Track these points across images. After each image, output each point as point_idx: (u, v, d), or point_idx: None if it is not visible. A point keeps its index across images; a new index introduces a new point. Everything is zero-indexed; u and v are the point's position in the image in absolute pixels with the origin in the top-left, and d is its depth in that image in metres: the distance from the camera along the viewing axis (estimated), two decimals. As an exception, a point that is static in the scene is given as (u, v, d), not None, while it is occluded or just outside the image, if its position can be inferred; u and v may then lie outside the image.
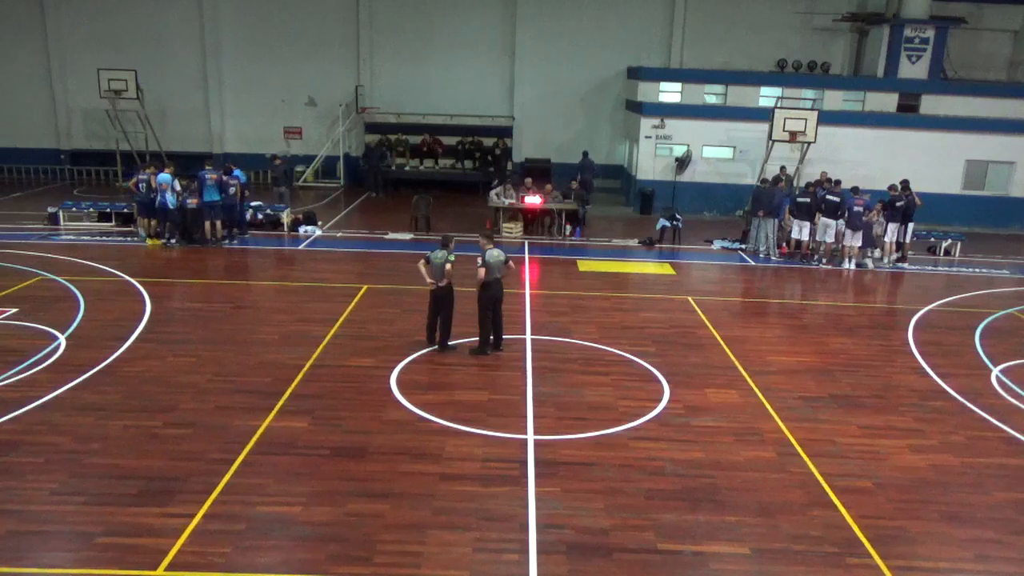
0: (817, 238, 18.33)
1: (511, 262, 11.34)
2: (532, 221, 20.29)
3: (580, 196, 20.30)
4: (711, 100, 25.71)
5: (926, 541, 7.07)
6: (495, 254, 11.07)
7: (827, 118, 22.43)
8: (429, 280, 11.17)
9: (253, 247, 17.99)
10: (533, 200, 19.72)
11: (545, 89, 27.95)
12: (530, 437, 8.75)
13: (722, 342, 12.32)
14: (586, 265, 17.37)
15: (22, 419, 8.74)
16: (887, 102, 24.81)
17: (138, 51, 27.01)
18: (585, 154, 24.62)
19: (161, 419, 8.86)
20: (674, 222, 19.75)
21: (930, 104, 24.78)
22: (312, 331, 11.98)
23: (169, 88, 27.38)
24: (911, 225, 18.65)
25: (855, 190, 17.84)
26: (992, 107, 24.23)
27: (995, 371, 11.48)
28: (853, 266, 17.86)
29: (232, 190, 17.85)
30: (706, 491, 7.74)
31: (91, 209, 19.55)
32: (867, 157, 23.13)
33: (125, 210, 18.96)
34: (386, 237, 19.31)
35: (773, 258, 18.56)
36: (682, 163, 23.81)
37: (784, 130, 21.64)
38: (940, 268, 18.69)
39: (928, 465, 8.50)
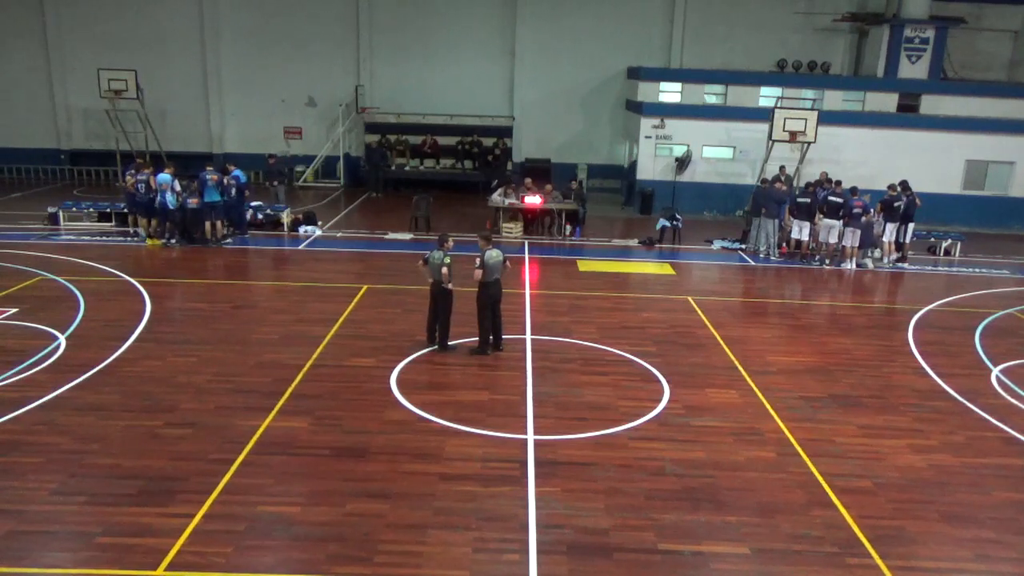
0: (820, 239, 18.34)
1: (508, 262, 11.36)
2: (532, 221, 20.29)
3: (580, 196, 20.30)
4: (711, 100, 25.70)
5: (926, 541, 7.07)
6: (494, 254, 11.07)
7: (827, 118, 22.43)
8: (429, 278, 11.18)
9: (253, 247, 17.99)
10: (533, 200, 19.72)
11: (545, 89, 27.95)
12: (530, 437, 8.75)
13: (722, 342, 12.31)
14: (586, 265, 17.37)
15: (22, 419, 8.73)
16: (887, 102, 24.80)
17: (138, 51, 27.01)
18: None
19: (161, 419, 8.86)
20: (674, 222, 19.75)
21: (930, 104, 24.78)
22: (312, 331, 11.98)
23: (169, 88, 27.37)
24: (911, 225, 18.65)
25: (853, 191, 17.85)
26: (992, 107, 24.23)
27: (995, 371, 11.48)
28: (853, 266, 17.85)
29: (233, 191, 17.89)
30: (706, 491, 7.74)
31: (91, 209, 19.54)
32: (867, 157, 23.15)
33: (124, 210, 18.96)
34: (386, 237, 19.31)
35: (773, 258, 18.55)
36: (682, 163, 23.81)
37: (784, 130, 21.64)
38: (940, 268, 18.69)
39: (928, 465, 8.50)
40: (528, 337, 12.14)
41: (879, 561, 6.70)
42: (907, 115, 24.54)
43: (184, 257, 16.79)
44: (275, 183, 21.53)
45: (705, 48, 27.70)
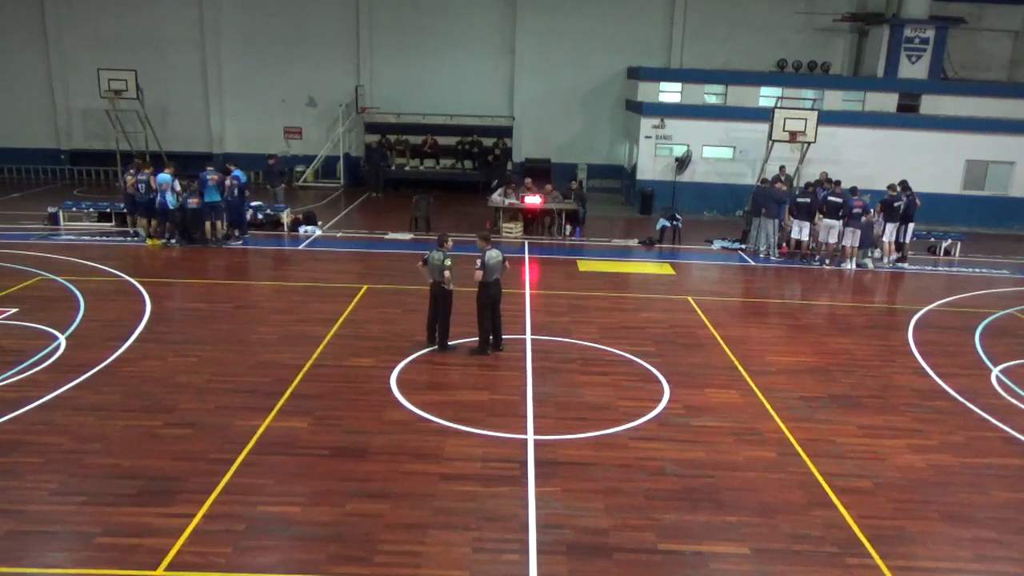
0: (820, 239, 18.34)
1: (507, 262, 11.37)
2: (532, 221, 20.29)
3: (580, 196, 20.30)
4: (711, 100, 25.70)
5: (926, 541, 7.07)
6: (493, 255, 11.07)
7: (827, 118, 22.43)
8: (429, 279, 11.18)
9: (253, 247, 17.99)
10: (533, 200, 19.72)
11: (545, 89, 27.95)
12: (530, 437, 8.75)
13: (722, 342, 12.31)
14: (586, 265, 17.36)
15: (22, 419, 8.73)
16: (887, 102, 24.80)
17: (138, 51, 27.01)
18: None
19: (161, 419, 8.86)
20: (674, 222, 19.75)
21: (930, 104, 24.78)
22: (312, 331, 11.98)
23: (169, 88, 27.37)
24: (911, 225, 18.65)
25: (853, 191, 17.86)
26: (992, 107, 24.23)
27: (995, 371, 11.48)
28: (853, 266, 17.85)
29: (236, 191, 17.92)
30: (706, 491, 7.74)
31: (91, 209, 19.54)
32: (867, 157, 23.14)
33: (124, 210, 18.97)
34: (386, 237, 19.31)
35: (773, 258, 18.55)
36: (682, 163, 23.81)
37: (784, 130, 21.64)
38: (940, 268, 18.68)
39: (928, 465, 8.50)
40: (528, 337, 12.14)
41: (879, 561, 6.70)
42: (907, 115, 24.54)
43: (184, 257, 16.78)
44: (277, 186, 21.54)
45: (705, 48, 27.71)
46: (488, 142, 27.08)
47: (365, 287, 14.60)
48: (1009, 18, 27.81)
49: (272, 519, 6.98)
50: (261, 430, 8.66)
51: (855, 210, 17.46)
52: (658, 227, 19.91)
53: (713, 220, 23.54)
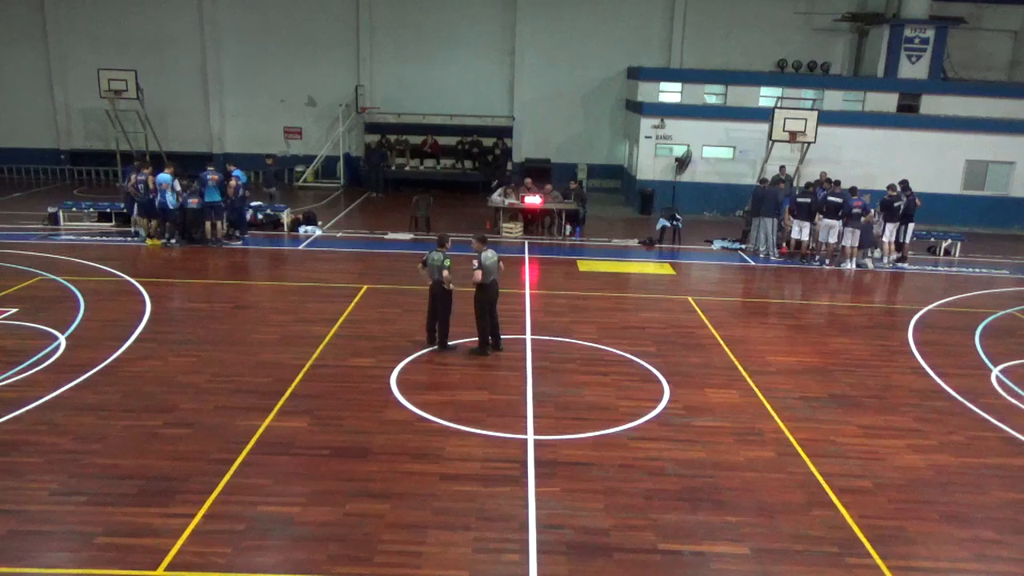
0: (820, 239, 18.34)
1: (502, 263, 11.40)
2: (532, 221, 20.29)
3: (580, 196, 20.29)
4: (711, 100, 25.71)
5: (926, 541, 7.07)
6: (490, 255, 11.08)
7: (827, 118, 22.43)
8: (429, 279, 11.18)
9: (253, 247, 17.99)
10: (533, 200, 19.72)
11: (545, 89, 27.96)
12: (530, 437, 8.75)
13: (722, 342, 12.31)
14: (586, 265, 17.36)
15: (22, 419, 8.73)
16: (887, 102, 24.81)
17: (138, 51, 27.04)
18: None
19: (161, 419, 8.86)
20: (674, 222, 19.74)
21: (930, 104, 24.79)
22: (312, 331, 11.98)
23: (169, 88, 27.39)
24: (911, 225, 18.65)
25: (853, 191, 17.86)
26: (992, 107, 24.24)
27: (995, 371, 11.48)
28: (853, 266, 17.85)
29: (241, 191, 17.91)
30: (706, 491, 7.74)
31: (91, 209, 19.54)
32: (867, 157, 23.14)
33: (124, 209, 18.96)
34: (386, 237, 19.30)
35: (773, 258, 18.55)
36: (682, 163, 23.81)
37: (784, 130, 21.65)
38: (940, 268, 18.68)
39: (928, 465, 8.50)
40: (528, 337, 12.14)
41: (879, 561, 6.70)
42: (907, 115, 24.55)
43: (184, 257, 16.78)
44: (270, 187, 21.56)
45: (705, 48, 27.72)
46: (488, 142, 27.07)
47: (365, 287, 14.60)
48: (1009, 18, 27.83)
49: (272, 519, 6.98)
50: (261, 430, 8.66)
51: (855, 210, 17.47)
52: (658, 227, 19.91)
53: (713, 220, 23.53)
